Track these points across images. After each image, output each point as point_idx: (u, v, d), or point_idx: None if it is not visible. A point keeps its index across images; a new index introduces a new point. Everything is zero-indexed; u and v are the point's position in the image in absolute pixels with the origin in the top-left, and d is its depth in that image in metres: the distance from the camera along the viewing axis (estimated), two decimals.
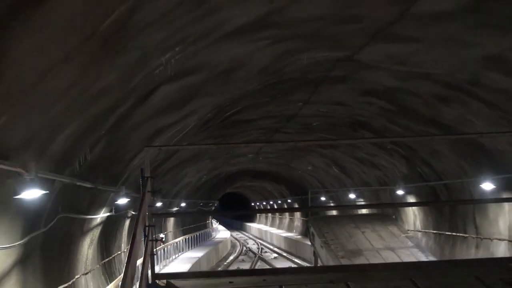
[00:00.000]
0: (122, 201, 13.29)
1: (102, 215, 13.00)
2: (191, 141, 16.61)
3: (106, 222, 13.92)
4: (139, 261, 9.25)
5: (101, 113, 8.19)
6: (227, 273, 6.18)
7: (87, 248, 12.51)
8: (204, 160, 26.01)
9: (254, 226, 67.74)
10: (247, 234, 67.15)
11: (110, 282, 14.68)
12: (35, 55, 5.04)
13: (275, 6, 7.57)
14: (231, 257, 40.56)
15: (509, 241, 15.67)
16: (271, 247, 47.17)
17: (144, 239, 5.08)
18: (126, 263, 3.96)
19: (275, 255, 40.07)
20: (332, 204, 31.75)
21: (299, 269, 9.20)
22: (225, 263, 36.23)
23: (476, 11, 7.99)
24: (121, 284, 3.80)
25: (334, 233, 16.85)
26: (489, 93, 11.11)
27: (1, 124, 5.47)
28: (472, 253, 17.62)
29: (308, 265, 29.66)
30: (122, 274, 8.25)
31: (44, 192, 6.90)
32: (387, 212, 21.99)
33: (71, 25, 5.06)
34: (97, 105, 7.73)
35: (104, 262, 14.95)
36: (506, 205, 15.65)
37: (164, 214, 16.55)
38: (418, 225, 22.09)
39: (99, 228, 13.37)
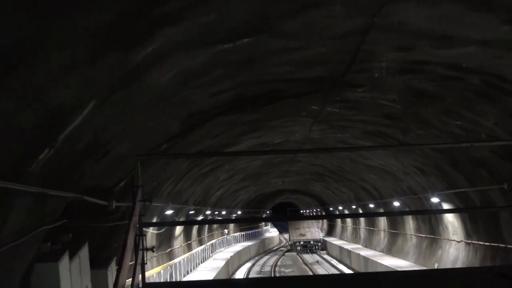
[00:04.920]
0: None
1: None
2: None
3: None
4: (153, 271, 26.96)
5: None
6: (219, 284, 5.65)
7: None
8: (250, 187, 44.38)
9: None
10: None
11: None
12: None
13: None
14: (275, 248, 59.24)
15: (384, 230, 33.54)
16: None
17: (135, 249, 4.79)
18: (117, 272, 3.88)
19: None
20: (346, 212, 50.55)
21: (288, 279, 8.95)
22: (269, 252, 54.75)
23: None
24: None
25: (294, 226, 47.04)
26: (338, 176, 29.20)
27: None
28: (381, 238, 35.52)
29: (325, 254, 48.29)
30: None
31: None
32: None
33: None
34: None
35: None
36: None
37: (155, 223, 16.71)
38: (363, 224, 40.16)
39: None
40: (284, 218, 35.96)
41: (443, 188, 18.81)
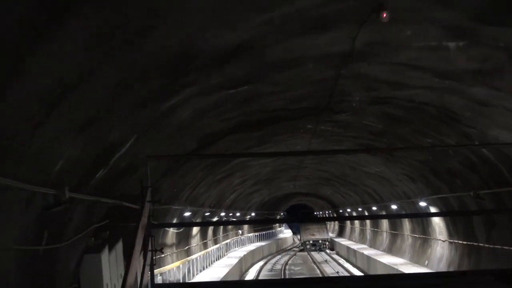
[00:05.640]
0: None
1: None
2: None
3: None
4: (167, 268, 29.63)
5: None
6: (226, 285, 5.58)
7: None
8: (263, 190, 47.07)
9: None
10: None
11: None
12: None
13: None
14: (288, 248, 61.91)
15: (386, 231, 36.02)
16: None
17: (144, 250, 4.74)
18: (125, 272, 3.85)
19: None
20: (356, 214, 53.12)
21: (296, 281, 8.88)
22: (282, 251, 57.41)
23: None
24: None
25: (305, 226, 49.84)
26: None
27: None
28: (383, 238, 38.05)
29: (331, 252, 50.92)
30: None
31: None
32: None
33: None
34: None
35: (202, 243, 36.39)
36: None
37: (165, 224, 16.62)
38: (369, 225, 42.66)
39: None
40: (295, 219, 38.58)
41: (428, 194, 21.33)
